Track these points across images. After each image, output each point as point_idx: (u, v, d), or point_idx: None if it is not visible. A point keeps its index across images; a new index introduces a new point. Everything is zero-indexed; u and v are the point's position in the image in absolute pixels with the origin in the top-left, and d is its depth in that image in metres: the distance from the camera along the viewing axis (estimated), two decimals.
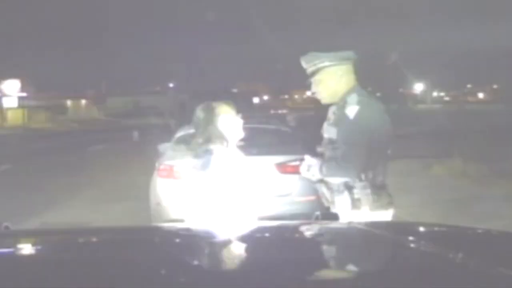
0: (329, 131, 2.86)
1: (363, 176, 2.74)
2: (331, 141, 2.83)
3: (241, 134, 2.92)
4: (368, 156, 2.72)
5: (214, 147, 2.81)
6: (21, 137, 32.03)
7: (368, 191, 2.75)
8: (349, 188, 2.77)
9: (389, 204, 2.84)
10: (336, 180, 2.81)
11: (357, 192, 2.76)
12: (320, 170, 2.82)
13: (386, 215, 2.80)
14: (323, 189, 2.93)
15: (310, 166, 2.91)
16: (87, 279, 1.14)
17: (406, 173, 9.14)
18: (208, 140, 2.82)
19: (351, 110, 2.73)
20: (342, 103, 2.82)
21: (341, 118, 2.77)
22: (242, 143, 3.06)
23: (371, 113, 2.77)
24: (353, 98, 2.78)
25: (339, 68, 2.87)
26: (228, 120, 2.85)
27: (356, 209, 2.74)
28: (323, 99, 2.95)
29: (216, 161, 2.77)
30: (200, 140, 2.85)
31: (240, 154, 2.94)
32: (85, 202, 8.57)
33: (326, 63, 2.86)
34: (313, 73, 2.89)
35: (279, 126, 7.41)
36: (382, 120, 2.83)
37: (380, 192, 2.80)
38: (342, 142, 2.74)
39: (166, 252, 1.47)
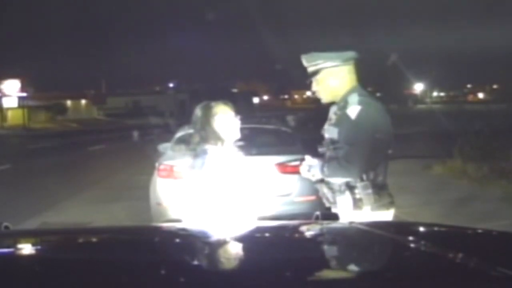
0: (330, 131, 2.85)
1: (364, 176, 2.74)
2: (332, 141, 2.82)
3: (238, 135, 2.92)
4: (370, 156, 2.71)
5: (209, 146, 2.81)
6: (21, 137, 32.07)
7: (370, 191, 2.74)
8: (350, 188, 2.76)
9: (390, 204, 2.84)
10: (338, 180, 2.81)
11: (358, 192, 2.75)
12: (322, 170, 2.81)
13: (387, 215, 2.80)
14: (324, 189, 2.93)
15: (311, 166, 2.91)
16: (87, 279, 1.14)
17: (406, 173, 9.15)
18: (204, 140, 2.84)
19: (353, 110, 2.72)
20: (343, 103, 2.81)
21: (343, 118, 2.76)
22: (242, 143, 3.06)
23: (372, 113, 2.77)
24: (354, 98, 2.77)
25: (340, 68, 2.86)
26: (225, 120, 2.86)
27: (358, 209, 2.74)
28: (323, 98, 2.94)
29: (211, 160, 2.77)
30: (196, 139, 2.87)
31: (237, 154, 2.94)
32: (85, 202, 8.57)
33: (328, 64, 2.85)
34: (314, 73, 2.88)
35: (279, 126, 7.41)
36: (383, 119, 2.82)
37: (381, 192, 2.79)
38: (344, 142, 2.73)
39: (166, 252, 1.48)
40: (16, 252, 1.53)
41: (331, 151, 2.83)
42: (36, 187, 9.98)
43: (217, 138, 2.83)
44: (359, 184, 2.74)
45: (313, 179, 2.96)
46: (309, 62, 2.89)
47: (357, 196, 2.75)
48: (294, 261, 1.32)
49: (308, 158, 2.97)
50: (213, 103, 2.92)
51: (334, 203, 2.85)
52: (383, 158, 2.83)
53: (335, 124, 2.82)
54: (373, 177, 2.76)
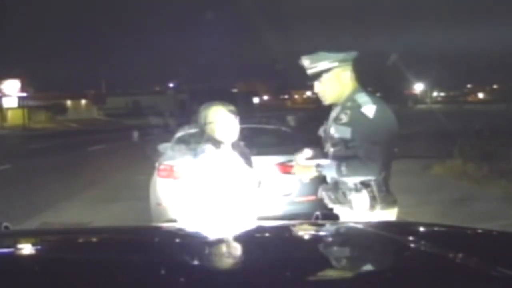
0: (341, 131, 2.80)
1: (383, 174, 2.76)
2: (343, 141, 2.79)
3: (237, 136, 2.92)
4: (388, 153, 2.75)
5: (209, 147, 2.83)
6: (21, 137, 32.09)
7: (384, 188, 2.78)
8: (366, 186, 2.77)
9: (394, 202, 2.87)
10: (354, 179, 2.79)
11: (374, 190, 2.76)
12: (338, 170, 2.77)
13: (393, 213, 2.84)
14: (330, 190, 2.91)
15: (322, 166, 2.90)
16: (87, 279, 1.14)
17: (406, 173, 9.14)
18: (204, 140, 2.85)
19: (369, 109, 2.71)
20: (351, 103, 2.80)
21: (358, 118, 2.73)
22: (242, 143, 3.06)
23: (385, 112, 2.79)
24: (364, 97, 2.77)
25: (347, 68, 2.87)
26: (225, 121, 2.86)
27: (372, 207, 2.76)
28: (328, 99, 2.90)
29: (211, 161, 2.79)
30: (197, 139, 2.89)
31: (235, 155, 2.94)
32: (85, 202, 8.57)
33: (336, 63, 2.84)
34: (321, 73, 2.85)
35: (279, 126, 7.41)
36: (394, 118, 2.84)
37: (388, 190, 2.82)
38: (363, 140, 2.71)
39: (165, 252, 1.47)
40: (16, 252, 1.53)
41: (343, 150, 2.81)
42: (36, 187, 9.99)
43: (217, 139, 2.84)
44: (374, 183, 2.75)
45: (305, 180, 3.01)
46: (316, 62, 2.85)
47: (372, 194, 2.77)
48: (294, 261, 1.32)
49: (307, 150, 2.99)
50: (214, 104, 2.93)
51: (347, 202, 2.83)
52: (392, 156, 2.86)
53: (348, 124, 2.78)
54: (385, 175, 2.78)
